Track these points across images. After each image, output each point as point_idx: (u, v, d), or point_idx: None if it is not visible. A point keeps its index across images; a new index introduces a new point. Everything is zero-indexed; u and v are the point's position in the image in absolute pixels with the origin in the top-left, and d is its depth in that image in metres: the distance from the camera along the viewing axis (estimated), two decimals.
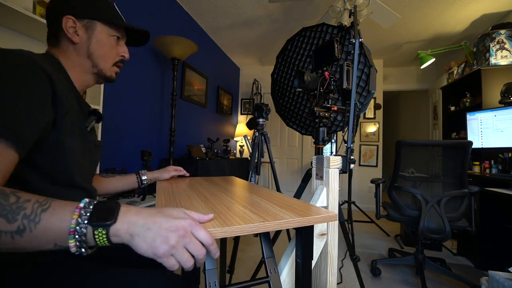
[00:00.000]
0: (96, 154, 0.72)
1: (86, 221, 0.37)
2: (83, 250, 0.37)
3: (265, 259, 0.55)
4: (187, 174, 1.05)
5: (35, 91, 0.47)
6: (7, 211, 0.36)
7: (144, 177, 0.92)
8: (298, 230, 0.55)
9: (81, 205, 0.39)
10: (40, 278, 0.52)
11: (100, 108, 1.46)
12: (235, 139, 4.19)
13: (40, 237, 0.36)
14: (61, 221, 0.37)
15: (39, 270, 0.53)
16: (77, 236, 0.36)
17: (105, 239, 0.37)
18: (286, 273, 0.66)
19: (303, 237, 0.54)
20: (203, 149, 2.59)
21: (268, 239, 0.57)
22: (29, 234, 0.36)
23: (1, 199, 0.37)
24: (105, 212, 0.38)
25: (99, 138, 1.43)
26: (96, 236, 0.37)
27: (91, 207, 0.38)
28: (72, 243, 0.36)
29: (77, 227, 0.36)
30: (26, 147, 0.46)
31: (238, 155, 3.94)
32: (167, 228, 0.38)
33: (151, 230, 0.38)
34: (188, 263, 0.38)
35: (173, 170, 1.00)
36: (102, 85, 1.47)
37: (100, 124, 1.46)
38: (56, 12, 0.62)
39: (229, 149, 3.28)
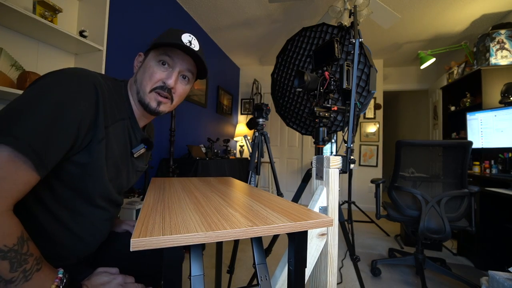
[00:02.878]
0: (134, 177, 0.76)
1: None
2: None
3: (256, 266, 0.52)
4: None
5: (69, 112, 0.49)
6: (17, 259, 0.41)
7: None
8: (291, 236, 0.52)
9: (60, 275, 0.47)
10: None
11: None
12: (235, 139, 4.19)
13: None
14: (42, 286, 0.44)
15: None
16: None
17: None
18: (283, 281, 0.64)
19: (296, 243, 0.49)
20: (203, 149, 2.59)
21: (260, 244, 0.55)
22: (15, 286, 0.41)
23: (19, 245, 0.41)
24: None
25: None
26: None
27: (64, 280, 0.48)
28: None
29: None
30: (47, 170, 0.48)
31: (238, 155, 3.94)
32: None
33: None
34: None
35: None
36: None
37: None
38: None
39: (229, 149, 3.28)
